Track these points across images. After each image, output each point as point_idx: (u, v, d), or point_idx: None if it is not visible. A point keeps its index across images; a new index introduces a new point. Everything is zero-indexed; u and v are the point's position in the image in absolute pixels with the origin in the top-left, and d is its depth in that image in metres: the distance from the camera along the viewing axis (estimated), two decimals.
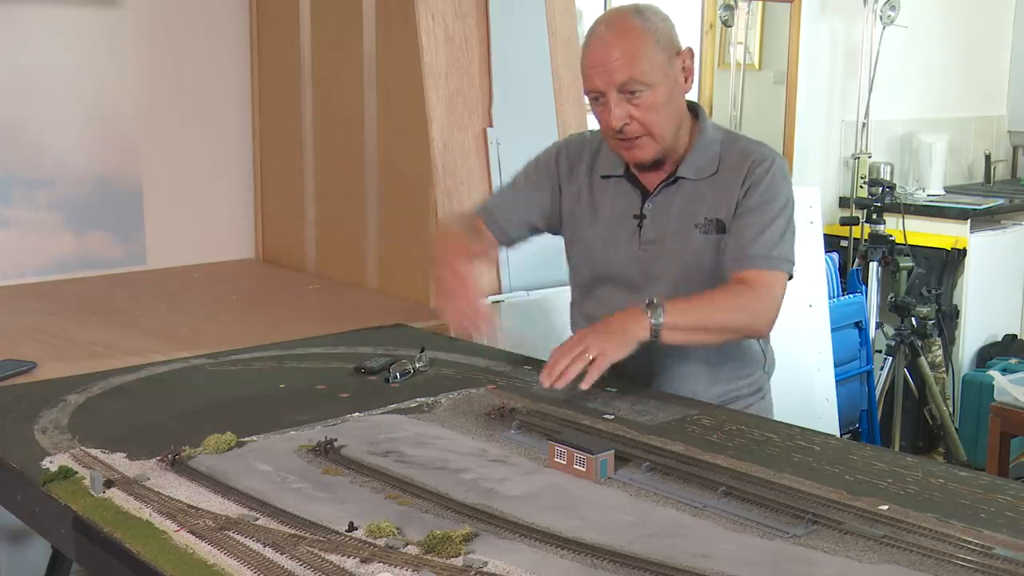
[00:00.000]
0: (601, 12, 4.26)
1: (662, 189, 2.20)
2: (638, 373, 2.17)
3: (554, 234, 2.38)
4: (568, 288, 2.48)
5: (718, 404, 2.15)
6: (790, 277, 2.15)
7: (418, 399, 2.03)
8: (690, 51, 2.14)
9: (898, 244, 4.74)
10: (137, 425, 1.90)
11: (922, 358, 4.59)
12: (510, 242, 2.43)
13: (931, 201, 5.21)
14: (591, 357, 1.95)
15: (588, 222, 2.28)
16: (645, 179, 2.22)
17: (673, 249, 2.18)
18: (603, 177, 2.25)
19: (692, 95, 2.26)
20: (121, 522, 1.48)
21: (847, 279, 4.76)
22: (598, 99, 2.12)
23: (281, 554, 1.36)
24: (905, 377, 4.61)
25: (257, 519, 1.47)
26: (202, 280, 3.48)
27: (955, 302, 5.04)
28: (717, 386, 2.23)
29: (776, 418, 2.05)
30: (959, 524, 1.46)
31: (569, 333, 2.62)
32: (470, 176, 2.91)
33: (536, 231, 2.39)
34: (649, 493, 1.57)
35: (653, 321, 1.99)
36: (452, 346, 2.48)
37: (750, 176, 2.14)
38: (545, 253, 2.96)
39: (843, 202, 5.20)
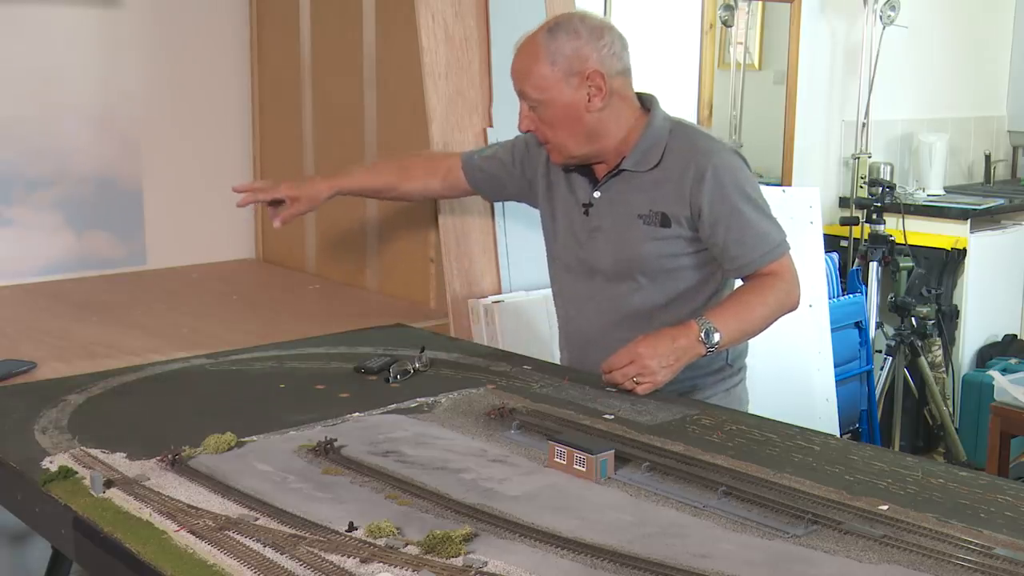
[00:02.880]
0: (601, 13, 4.27)
1: (607, 180, 2.28)
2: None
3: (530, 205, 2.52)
4: None
5: (676, 392, 2.19)
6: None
7: (418, 399, 2.03)
8: (598, 73, 2.17)
9: (898, 244, 4.74)
10: (137, 425, 1.90)
11: (922, 358, 4.59)
12: (486, 180, 2.54)
13: (931, 201, 5.21)
14: (639, 380, 2.06)
15: (547, 209, 2.41)
16: (596, 170, 2.30)
17: (615, 237, 2.26)
18: (564, 169, 2.34)
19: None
20: (121, 522, 1.48)
21: (847, 279, 4.76)
22: None
23: (281, 554, 1.36)
24: (905, 377, 4.61)
25: (257, 519, 1.47)
26: (202, 280, 3.48)
27: (955, 302, 5.04)
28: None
29: (775, 418, 2.07)
30: (959, 524, 1.46)
31: None
32: None
33: (502, 185, 2.52)
34: (649, 493, 1.57)
35: (710, 349, 2.11)
36: (452, 346, 2.48)
37: (706, 181, 2.17)
38: (544, 254, 2.96)
39: (843, 202, 5.20)
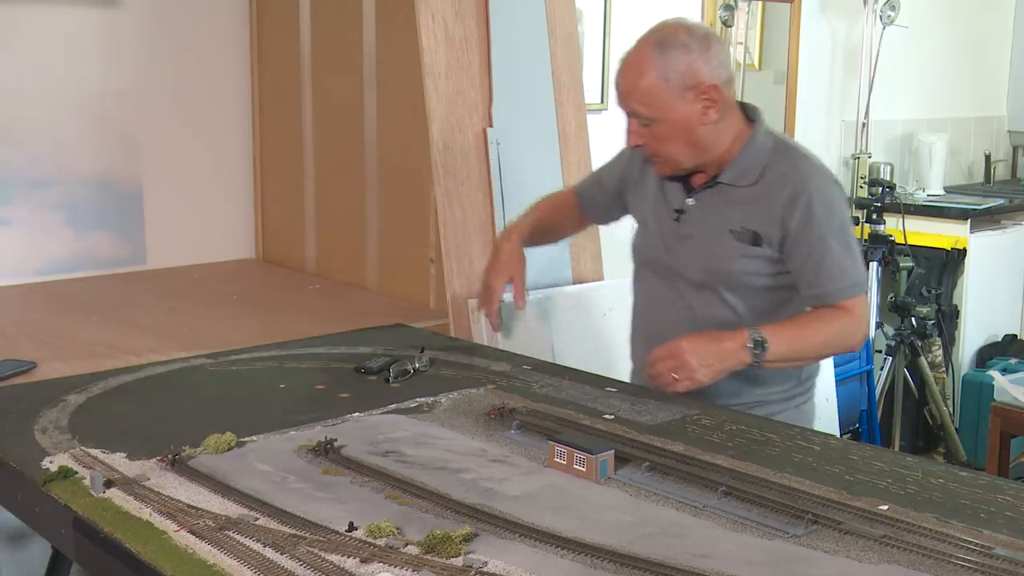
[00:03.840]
0: (601, 13, 4.27)
1: (703, 190, 2.25)
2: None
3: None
4: (567, 288, 2.66)
5: (745, 408, 2.17)
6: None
7: (418, 399, 2.03)
8: (714, 87, 2.13)
9: (898, 244, 4.74)
10: (137, 425, 1.90)
11: (922, 358, 4.59)
12: (597, 209, 2.53)
13: (931, 201, 5.21)
14: (677, 376, 2.06)
15: (638, 207, 2.39)
16: (693, 178, 2.27)
17: (704, 248, 2.24)
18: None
19: None
20: (121, 522, 1.48)
21: None
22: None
23: (281, 554, 1.36)
24: (905, 377, 4.61)
25: (257, 519, 1.47)
26: (202, 280, 3.48)
27: (955, 302, 5.04)
28: (744, 393, 2.25)
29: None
30: (959, 524, 1.46)
31: (568, 332, 2.66)
32: (470, 176, 2.91)
33: (619, 204, 2.49)
34: (649, 493, 1.57)
35: (755, 359, 2.09)
36: (452, 346, 2.48)
37: (799, 207, 2.15)
38: (546, 254, 2.96)
39: None
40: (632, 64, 2.18)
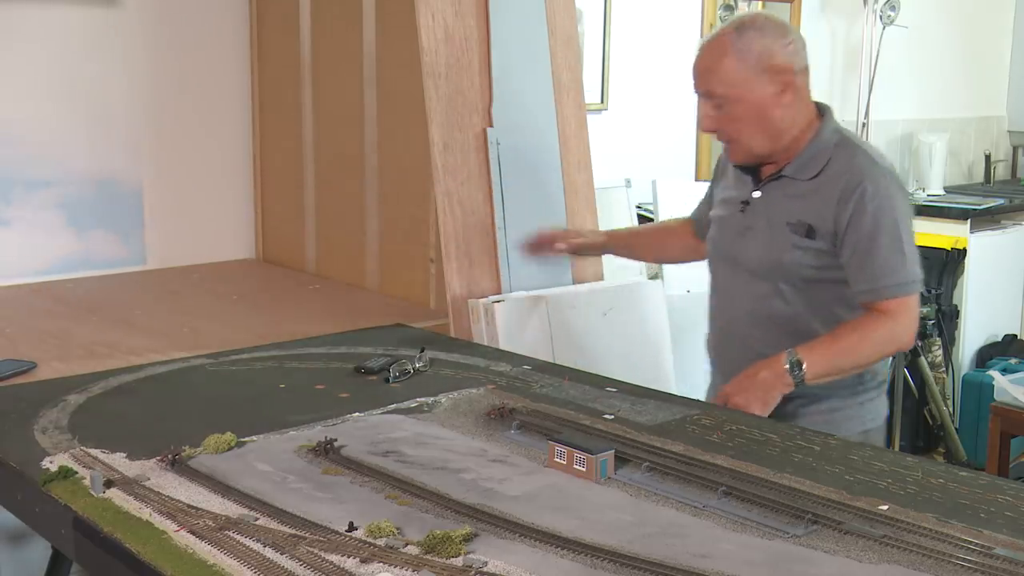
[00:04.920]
0: (601, 13, 4.28)
1: (768, 182, 2.31)
2: None
3: None
4: (567, 288, 2.72)
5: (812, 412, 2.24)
6: (921, 291, 2.25)
7: (418, 399, 2.03)
8: (789, 69, 2.19)
9: None
10: (137, 425, 1.90)
11: (922, 358, 4.59)
12: (704, 230, 2.56)
13: (931, 201, 5.21)
14: None
15: (716, 204, 2.47)
16: (763, 170, 2.33)
17: (763, 240, 2.29)
18: (734, 165, 2.39)
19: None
20: (121, 522, 1.48)
21: None
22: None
23: (281, 554, 1.36)
24: (905, 377, 4.61)
25: (257, 519, 1.47)
26: (202, 280, 3.48)
27: (955, 302, 5.04)
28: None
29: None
30: (959, 524, 1.46)
31: (568, 332, 2.66)
32: (470, 176, 2.91)
33: None
34: (649, 493, 1.57)
35: (796, 380, 2.14)
36: (452, 346, 2.48)
37: (852, 200, 2.18)
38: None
39: None
40: (710, 45, 2.24)
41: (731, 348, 2.38)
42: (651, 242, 2.80)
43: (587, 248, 2.78)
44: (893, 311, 2.18)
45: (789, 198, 2.27)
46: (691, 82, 2.28)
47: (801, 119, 2.25)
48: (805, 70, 2.25)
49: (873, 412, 2.34)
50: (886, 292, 2.18)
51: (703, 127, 2.31)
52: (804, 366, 2.13)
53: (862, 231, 2.17)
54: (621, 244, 2.78)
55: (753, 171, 2.34)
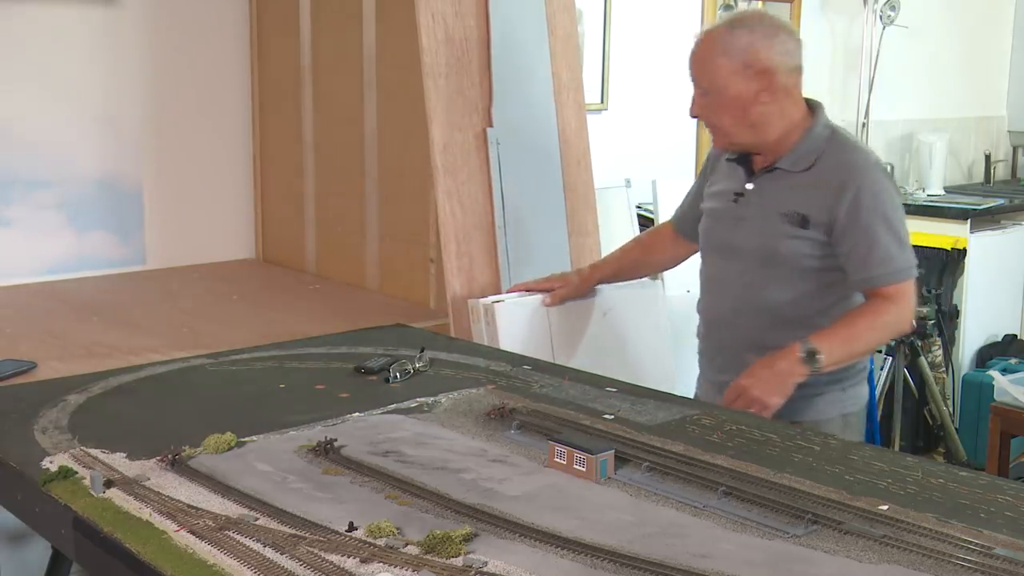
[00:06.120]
0: (601, 13, 4.28)
1: (762, 174, 2.39)
2: None
3: None
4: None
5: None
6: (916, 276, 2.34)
7: (418, 399, 2.03)
8: (768, 69, 2.28)
9: None
10: (137, 425, 1.90)
11: (922, 358, 4.59)
12: (692, 224, 2.61)
13: (931, 201, 5.21)
14: (755, 410, 2.18)
15: (707, 196, 2.54)
16: (755, 162, 2.41)
17: (756, 230, 2.37)
18: (727, 159, 2.48)
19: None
20: (121, 522, 1.48)
21: None
22: None
23: (281, 554, 1.36)
24: (905, 377, 4.61)
25: (257, 519, 1.47)
26: (202, 280, 3.48)
27: (955, 302, 5.04)
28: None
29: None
30: (959, 524, 1.46)
31: (568, 332, 2.67)
32: (470, 176, 2.91)
33: None
34: (649, 493, 1.57)
35: (813, 369, 2.22)
36: (452, 346, 2.48)
37: (848, 195, 2.27)
38: (545, 253, 2.96)
39: None
40: (703, 38, 2.36)
41: (722, 337, 2.46)
42: (636, 261, 2.82)
43: (572, 295, 2.78)
44: (895, 296, 2.28)
45: (783, 190, 2.34)
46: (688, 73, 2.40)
47: (787, 118, 2.33)
48: (795, 70, 2.33)
49: (854, 397, 2.43)
50: (888, 278, 2.28)
51: (690, 112, 2.40)
52: (821, 355, 2.21)
53: (860, 225, 2.26)
54: (608, 275, 2.81)
55: (745, 164, 2.41)
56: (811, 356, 2.20)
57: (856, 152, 2.34)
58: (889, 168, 5.12)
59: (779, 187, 2.35)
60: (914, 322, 2.38)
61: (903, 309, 2.30)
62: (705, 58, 2.32)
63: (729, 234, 2.43)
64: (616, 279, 2.83)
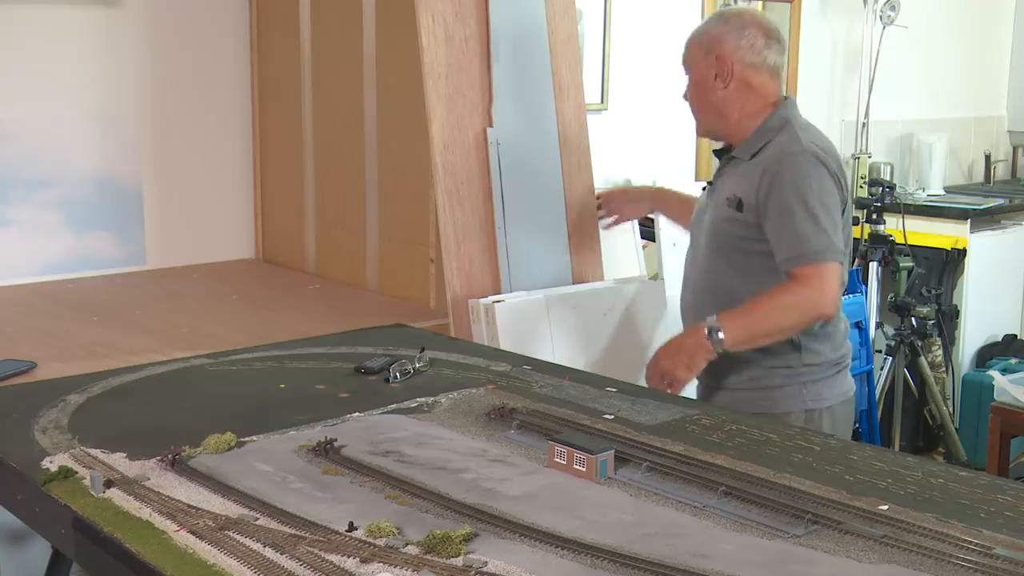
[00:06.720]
0: (601, 13, 4.27)
1: (724, 165, 2.53)
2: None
3: None
4: (567, 288, 2.80)
5: (750, 390, 2.39)
6: (841, 262, 2.35)
7: (418, 399, 2.03)
8: (726, 56, 2.44)
9: (898, 244, 4.74)
10: (137, 425, 1.90)
11: (922, 358, 4.59)
12: None
13: (931, 201, 5.21)
14: (668, 383, 2.33)
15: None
16: (724, 154, 2.56)
17: (711, 215, 2.49)
18: (712, 152, 2.66)
19: None
20: (121, 522, 1.48)
21: (847, 279, 4.76)
22: None
23: (281, 554, 1.36)
24: (905, 377, 4.61)
25: (257, 519, 1.47)
26: (202, 280, 3.48)
27: (955, 302, 5.04)
28: (731, 378, 2.46)
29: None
30: (959, 524, 1.46)
31: (568, 332, 2.68)
32: (470, 176, 2.91)
33: None
34: (649, 493, 1.57)
35: (717, 346, 2.30)
36: (452, 346, 2.49)
37: (770, 176, 2.35)
38: (545, 253, 2.96)
39: None
40: (696, 28, 2.57)
41: (688, 321, 2.54)
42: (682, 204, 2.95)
43: (635, 215, 3.13)
44: (807, 277, 2.30)
45: (733, 176, 2.46)
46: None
47: (746, 109, 2.45)
48: (757, 66, 2.45)
49: (817, 394, 2.44)
50: (802, 259, 2.30)
51: (683, 94, 2.57)
52: (722, 332, 2.27)
53: (777, 204, 2.32)
54: (672, 208, 2.98)
55: (720, 157, 2.55)
56: (712, 333, 2.27)
57: (795, 141, 2.38)
58: (889, 164, 5.13)
59: (730, 174, 2.47)
60: (837, 307, 2.37)
61: (817, 291, 2.29)
62: (688, 44, 2.54)
63: (697, 223, 2.56)
64: (671, 217, 3.02)
